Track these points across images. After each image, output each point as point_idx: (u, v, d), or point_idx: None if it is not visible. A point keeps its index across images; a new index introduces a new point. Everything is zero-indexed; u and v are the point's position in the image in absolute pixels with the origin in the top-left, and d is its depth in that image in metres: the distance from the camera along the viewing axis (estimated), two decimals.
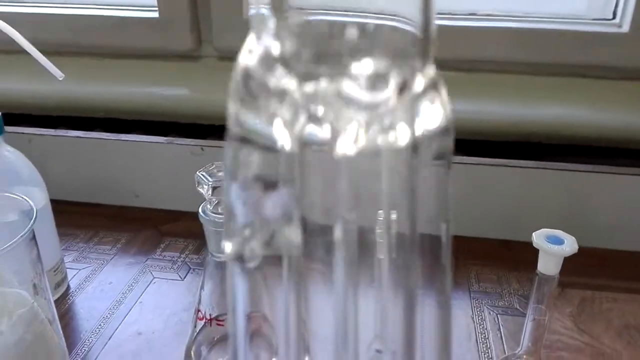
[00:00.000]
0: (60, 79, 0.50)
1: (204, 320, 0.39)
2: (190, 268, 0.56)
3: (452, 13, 0.68)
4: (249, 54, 0.16)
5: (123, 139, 0.66)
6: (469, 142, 0.65)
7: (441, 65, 0.16)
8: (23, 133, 0.68)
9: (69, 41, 0.71)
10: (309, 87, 0.15)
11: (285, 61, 0.15)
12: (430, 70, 0.16)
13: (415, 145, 0.16)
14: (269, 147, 0.16)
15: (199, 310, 0.39)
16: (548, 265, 0.35)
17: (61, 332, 0.41)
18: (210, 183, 0.35)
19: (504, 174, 0.60)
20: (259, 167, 0.17)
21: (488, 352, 0.45)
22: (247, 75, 0.16)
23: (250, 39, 0.16)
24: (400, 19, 0.15)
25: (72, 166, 0.67)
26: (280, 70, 0.16)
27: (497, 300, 0.51)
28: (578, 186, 0.59)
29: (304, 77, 0.15)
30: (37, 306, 0.38)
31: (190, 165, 0.65)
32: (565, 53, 0.64)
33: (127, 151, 0.66)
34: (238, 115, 0.16)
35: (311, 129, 0.16)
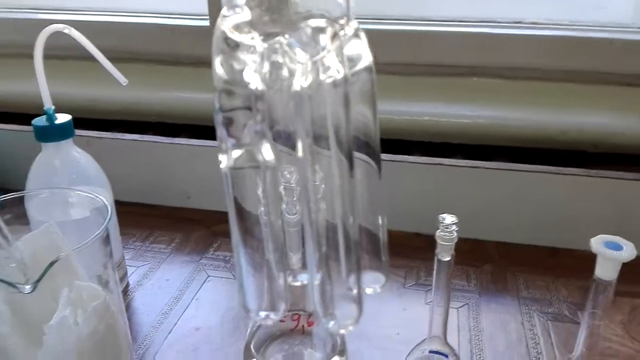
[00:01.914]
0: (124, 84, 0.52)
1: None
2: None
3: (497, 21, 0.69)
4: (224, 19, 0.23)
5: (177, 142, 0.68)
6: (515, 149, 0.65)
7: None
8: (81, 135, 0.71)
9: (122, 48, 0.74)
10: (270, 41, 0.23)
11: (251, 23, 0.23)
12: (353, 25, 0.24)
13: (346, 79, 0.23)
14: (245, 87, 0.23)
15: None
16: (606, 270, 0.36)
17: (127, 324, 0.43)
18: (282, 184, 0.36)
19: (551, 181, 0.60)
20: (239, 102, 0.24)
21: (539, 357, 0.46)
22: (224, 34, 0.23)
23: (224, 7, 0.23)
24: None
25: (128, 168, 0.70)
26: (247, 30, 0.23)
27: (547, 306, 0.52)
28: (625, 194, 0.59)
29: (266, 35, 0.23)
30: (108, 299, 0.40)
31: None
32: (611, 61, 0.64)
33: (180, 154, 0.68)
34: (220, 65, 0.23)
35: (273, 72, 0.23)
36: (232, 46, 0.23)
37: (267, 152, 0.25)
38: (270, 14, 0.23)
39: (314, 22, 0.23)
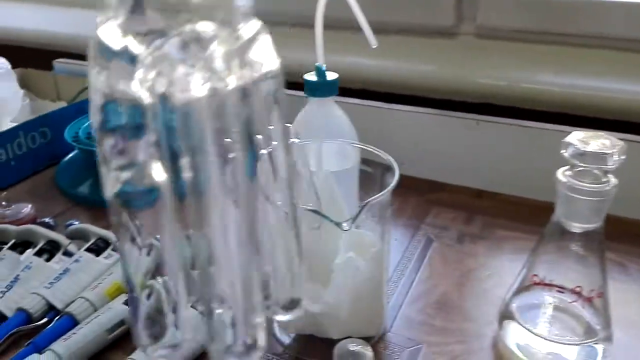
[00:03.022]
0: (374, 47, 0.54)
1: (540, 284, 0.41)
2: (468, 236, 0.58)
3: None
4: (103, 29, 0.20)
5: (397, 108, 0.70)
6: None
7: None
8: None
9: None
10: (155, 52, 0.20)
11: (136, 35, 0.20)
12: (253, 27, 0.21)
13: (247, 87, 0.20)
14: (130, 101, 0.20)
15: (534, 275, 0.41)
16: None
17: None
18: (576, 148, 0.36)
19: None
20: (125, 118, 0.20)
21: None
22: (101, 43, 0.20)
23: (103, 18, 0.20)
24: None
25: None
26: (132, 41, 0.20)
27: None
28: None
29: (149, 41, 0.20)
30: (383, 249, 0.42)
31: (462, 139, 0.67)
32: None
33: (398, 120, 0.70)
34: (97, 76, 0.21)
35: (160, 84, 0.20)
36: (111, 55, 0.21)
37: (158, 172, 0.21)
38: (160, 16, 0.20)
39: (202, 26, 0.20)
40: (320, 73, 0.50)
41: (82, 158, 0.75)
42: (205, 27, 0.20)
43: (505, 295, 0.45)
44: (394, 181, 0.39)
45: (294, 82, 0.76)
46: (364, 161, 0.47)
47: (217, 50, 0.20)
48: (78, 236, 0.55)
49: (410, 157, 0.70)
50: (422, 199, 0.66)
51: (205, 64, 0.20)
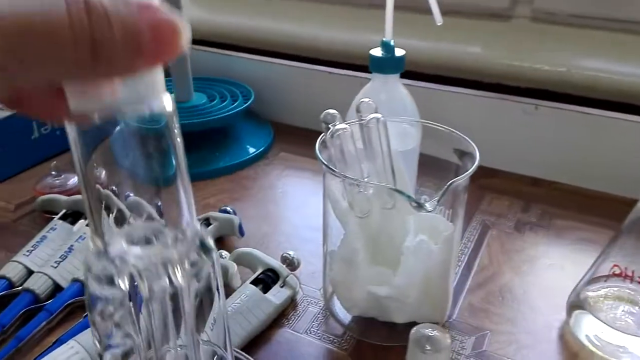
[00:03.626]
0: (439, 24, 0.52)
1: (620, 275, 0.39)
2: (526, 225, 0.57)
3: None
4: (90, 251, 0.21)
5: (450, 90, 0.68)
6: None
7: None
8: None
9: None
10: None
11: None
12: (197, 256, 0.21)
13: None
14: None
15: (615, 265, 0.39)
16: None
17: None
18: None
19: None
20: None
21: None
22: (89, 265, 0.21)
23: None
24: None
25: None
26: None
27: None
28: None
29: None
30: (454, 233, 0.41)
31: (520, 124, 0.65)
32: None
33: (450, 103, 0.68)
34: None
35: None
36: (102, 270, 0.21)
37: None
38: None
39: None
40: (389, 48, 0.48)
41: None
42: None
43: (577, 285, 0.44)
44: (475, 162, 0.37)
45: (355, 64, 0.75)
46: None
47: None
48: (130, 208, 0.54)
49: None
50: (474, 184, 0.64)
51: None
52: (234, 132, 0.74)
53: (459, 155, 0.40)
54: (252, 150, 0.71)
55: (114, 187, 0.20)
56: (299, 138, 0.75)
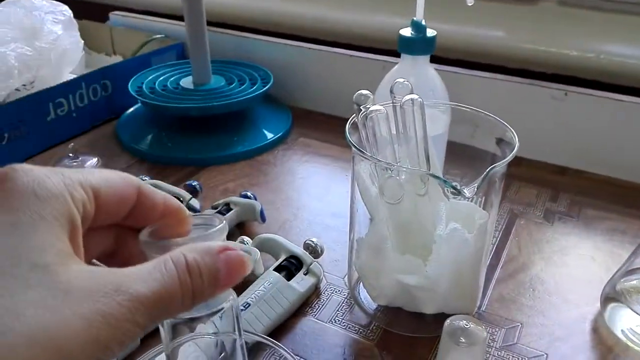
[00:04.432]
0: (470, 4, 0.50)
1: None
2: (555, 214, 0.55)
3: None
4: None
5: (475, 74, 0.66)
6: None
7: None
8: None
9: None
10: None
11: None
12: None
13: None
14: None
15: None
16: None
17: None
18: None
19: None
20: None
21: None
22: None
23: None
24: None
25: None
26: None
27: None
28: None
29: None
30: (489, 221, 0.39)
31: (549, 110, 0.63)
32: None
33: (475, 87, 0.66)
34: None
35: None
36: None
37: None
38: None
39: None
40: (420, 28, 0.46)
41: (144, 112, 0.73)
42: None
43: (612, 276, 0.42)
44: (514, 149, 0.36)
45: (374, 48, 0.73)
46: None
47: None
48: None
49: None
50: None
51: None
52: (253, 116, 0.72)
53: (497, 142, 0.39)
54: (270, 135, 0.69)
55: None
56: (318, 124, 0.73)
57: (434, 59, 0.49)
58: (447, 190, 0.34)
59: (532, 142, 0.64)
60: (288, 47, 0.78)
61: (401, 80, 0.37)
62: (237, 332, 0.26)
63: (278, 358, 0.34)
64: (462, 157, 0.47)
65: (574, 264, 0.48)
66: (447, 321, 0.33)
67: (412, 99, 0.35)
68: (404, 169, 0.37)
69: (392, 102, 0.37)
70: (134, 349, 0.38)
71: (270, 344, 0.33)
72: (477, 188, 0.33)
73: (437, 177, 0.33)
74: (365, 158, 0.37)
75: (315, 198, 0.58)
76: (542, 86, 0.63)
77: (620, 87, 0.63)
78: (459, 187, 0.32)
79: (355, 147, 0.37)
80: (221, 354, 0.27)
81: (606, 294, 0.42)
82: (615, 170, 0.61)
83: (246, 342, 0.28)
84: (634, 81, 0.62)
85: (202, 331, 0.25)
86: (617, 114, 0.60)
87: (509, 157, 0.35)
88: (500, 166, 0.35)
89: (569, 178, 0.62)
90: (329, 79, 0.75)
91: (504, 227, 0.53)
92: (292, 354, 0.32)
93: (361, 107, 0.36)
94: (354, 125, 0.38)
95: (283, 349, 0.32)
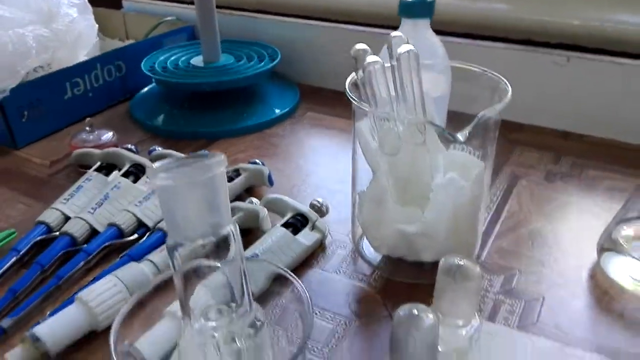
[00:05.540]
0: None
1: None
2: (557, 175, 0.56)
3: None
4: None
5: (477, 44, 0.67)
6: None
7: None
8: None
9: None
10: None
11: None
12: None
13: None
14: None
15: None
16: None
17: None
18: None
19: None
20: None
21: None
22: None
23: None
24: None
25: None
26: None
27: None
28: None
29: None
30: (485, 170, 0.41)
31: (551, 76, 0.64)
32: None
33: (477, 56, 0.67)
34: None
35: None
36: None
37: None
38: None
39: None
40: None
41: (158, 90, 0.76)
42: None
43: (607, 226, 0.44)
44: (507, 97, 0.37)
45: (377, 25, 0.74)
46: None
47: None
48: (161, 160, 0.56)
49: None
50: (504, 138, 0.63)
51: None
52: (261, 93, 0.74)
53: (490, 92, 0.40)
54: (278, 110, 0.71)
55: None
56: (326, 99, 0.75)
57: (437, 33, 0.50)
58: (443, 136, 0.35)
59: (535, 108, 0.66)
60: (295, 25, 0.79)
61: (397, 33, 0.38)
62: (240, 259, 0.27)
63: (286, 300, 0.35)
64: (465, 122, 0.49)
65: (573, 218, 0.50)
66: (442, 259, 0.35)
67: (407, 51, 0.36)
68: (402, 118, 0.39)
69: (389, 58, 0.38)
70: None
71: (287, 275, 0.32)
72: (468, 133, 0.34)
73: (431, 124, 0.35)
74: (364, 109, 0.39)
75: (322, 166, 0.60)
76: (543, 53, 0.64)
77: (625, 54, 0.63)
78: (452, 133, 0.34)
79: (354, 100, 0.39)
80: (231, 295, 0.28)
81: (602, 243, 0.44)
82: (616, 132, 0.62)
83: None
84: (639, 48, 0.63)
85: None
86: (617, 77, 0.61)
87: (501, 104, 0.37)
88: (492, 112, 0.36)
89: (571, 142, 0.63)
90: (335, 55, 0.76)
91: (505, 187, 0.54)
92: (304, 289, 0.31)
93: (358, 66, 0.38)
94: (355, 85, 0.40)
95: (296, 280, 0.31)
